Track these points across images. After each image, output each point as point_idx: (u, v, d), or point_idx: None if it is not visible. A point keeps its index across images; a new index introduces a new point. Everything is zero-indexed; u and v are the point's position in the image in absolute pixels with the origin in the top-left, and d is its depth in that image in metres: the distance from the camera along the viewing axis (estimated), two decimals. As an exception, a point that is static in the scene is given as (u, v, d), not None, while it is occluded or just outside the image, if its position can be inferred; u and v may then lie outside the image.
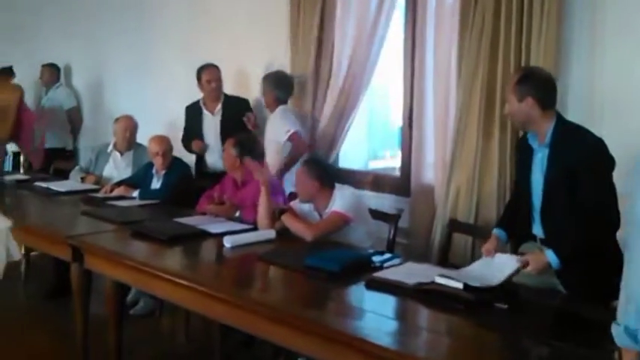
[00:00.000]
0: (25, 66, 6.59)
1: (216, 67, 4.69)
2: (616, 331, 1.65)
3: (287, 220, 3.26)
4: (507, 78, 3.11)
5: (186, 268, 3.03)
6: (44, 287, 4.48)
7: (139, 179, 4.37)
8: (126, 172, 4.60)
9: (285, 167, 4.13)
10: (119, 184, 4.35)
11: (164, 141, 4.29)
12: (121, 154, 4.74)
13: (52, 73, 6.43)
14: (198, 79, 4.67)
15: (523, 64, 3.25)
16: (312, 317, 2.30)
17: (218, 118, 4.66)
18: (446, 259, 3.48)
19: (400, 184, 4.18)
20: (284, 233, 3.25)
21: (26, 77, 6.63)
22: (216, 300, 2.52)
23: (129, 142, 4.71)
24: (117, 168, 4.70)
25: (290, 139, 4.15)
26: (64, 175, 5.07)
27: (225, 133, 4.32)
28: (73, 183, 4.68)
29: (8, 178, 4.87)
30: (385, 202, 4.11)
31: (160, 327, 4.17)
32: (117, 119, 4.77)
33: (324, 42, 4.33)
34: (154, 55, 5.73)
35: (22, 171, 5.15)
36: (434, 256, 3.65)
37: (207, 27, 5.23)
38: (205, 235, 3.27)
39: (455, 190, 3.61)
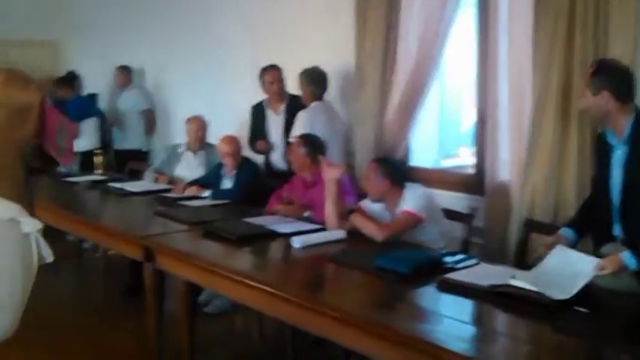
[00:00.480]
0: (99, 69, 6.88)
1: (277, 68, 4.71)
2: None
3: (356, 220, 3.22)
4: (584, 72, 2.96)
5: (255, 268, 3.04)
6: (121, 285, 4.62)
7: (210, 179, 4.44)
8: (198, 172, 4.68)
9: None
10: (191, 184, 4.43)
11: (234, 141, 4.33)
12: (193, 153, 4.82)
13: (126, 75, 6.62)
14: (261, 80, 4.72)
15: (600, 57, 3.10)
16: (383, 320, 2.26)
17: (282, 117, 4.68)
18: (522, 260, 3.35)
19: (474, 182, 4.07)
20: (354, 233, 3.21)
21: (101, 80, 6.93)
22: (283, 301, 2.51)
23: (200, 142, 4.79)
24: (189, 168, 4.79)
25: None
26: (138, 175, 5.21)
27: (289, 133, 4.35)
28: (146, 183, 4.82)
29: (83, 179, 5.04)
30: (459, 201, 4.00)
31: (234, 326, 4.21)
32: (188, 119, 4.86)
33: (390, 40, 4.26)
34: (222, 56, 5.80)
35: (98, 172, 5.30)
36: (510, 257, 3.53)
37: (273, 27, 5.26)
38: (274, 235, 3.27)
39: (531, 188, 3.48)
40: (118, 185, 4.66)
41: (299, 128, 4.19)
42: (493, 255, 3.61)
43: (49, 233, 1.15)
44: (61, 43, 7.55)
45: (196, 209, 3.93)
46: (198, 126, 4.78)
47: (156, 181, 4.82)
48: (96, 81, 6.97)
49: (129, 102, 6.59)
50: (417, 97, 4.20)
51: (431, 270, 2.66)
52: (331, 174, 3.34)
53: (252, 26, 5.49)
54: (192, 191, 4.31)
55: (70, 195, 4.80)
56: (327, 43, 4.78)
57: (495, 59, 3.75)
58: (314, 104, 4.40)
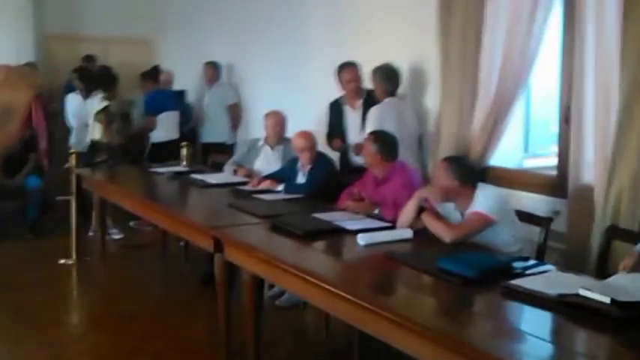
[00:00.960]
0: (190, 64, 7.09)
1: (354, 65, 4.69)
2: None
3: (426, 218, 3.14)
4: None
5: (318, 265, 3.01)
6: (200, 274, 4.73)
7: (285, 173, 4.47)
8: (276, 166, 4.72)
9: None
10: (266, 177, 4.48)
11: (308, 137, 4.34)
12: (271, 148, 4.87)
13: (213, 71, 6.80)
14: (338, 77, 4.72)
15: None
16: (441, 326, 2.20)
17: (359, 113, 4.66)
18: (604, 269, 3.15)
19: (556, 184, 3.87)
20: (422, 233, 3.13)
21: (191, 75, 7.13)
22: (342, 300, 2.48)
23: (278, 137, 4.84)
24: (267, 162, 4.84)
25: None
26: (220, 168, 5.33)
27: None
28: (226, 176, 4.92)
29: (167, 169, 5.21)
30: (540, 203, 3.83)
31: (303, 320, 4.22)
32: (267, 114, 4.91)
33: (475, 37, 4.11)
34: (305, 52, 5.83)
35: (183, 163, 5.47)
36: (592, 265, 3.33)
37: (354, 25, 5.23)
38: (341, 231, 3.25)
39: (617, 192, 3.26)
40: (198, 177, 4.80)
41: (370, 124, 4.17)
42: (573, 262, 3.43)
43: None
44: (154, 40, 7.84)
45: (269, 203, 3.97)
46: (277, 121, 4.83)
47: (235, 173, 4.92)
48: (186, 77, 7.19)
49: (216, 97, 6.78)
50: (507, 101, 4.02)
51: (498, 275, 2.55)
52: (424, 193, 3.24)
53: (334, 23, 5.48)
54: (266, 185, 4.36)
55: (152, 185, 5.00)
56: (407, 41, 4.70)
57: (581, 53, 3.53)
58: (386, 100, 4.40)
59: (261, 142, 4.95)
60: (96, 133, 5.98)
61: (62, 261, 5.26)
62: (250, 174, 4.80)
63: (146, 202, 4.31)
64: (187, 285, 4.82)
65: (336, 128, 4.77)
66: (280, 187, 4.33)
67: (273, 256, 2.95)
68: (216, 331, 3.56)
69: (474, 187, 3.16)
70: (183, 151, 5.57)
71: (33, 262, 5.38)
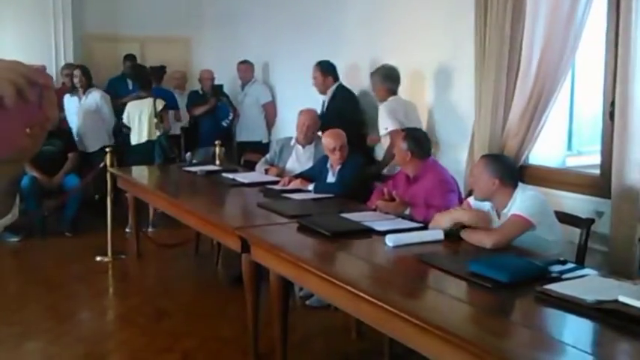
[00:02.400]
0: (226, 63, 7.08)
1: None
2: None
3: (465, 235, 2.97)
4: None
5: (344, 266, 2.94)
6: (232, 273, 4.68)
7: (315, 173, 4.39)
8: (307, 165, 4.65)
9: (383, 163, 4.42)
10: (297, 177, 4.40)
11: (339, 136, 4.24)
12: (303, 147, 4.80)
13: (248, 70, 6.77)
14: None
15: None
16: (472, 334, 2.08)
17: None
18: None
19: (599, 183, 3.68)
20: (452, 234, 3.00)
21: (227, 74, 7.12)
22: (367, 303, 2.39)
23: (307, 136, 4.75)
24: (298, 161, 4.78)
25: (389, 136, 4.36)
26: (253, 166, 5.29)
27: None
28: (257, 174, 4.86)
29: (200, 168, 5.18)
30: (582, 203, 3.66)
31: (334, 321, 4.12)
32: (300, 112, 4.84)
33: (512, 28, 3.95)
34: (337, 51, 5.73)
35: (217, 162, 5.45)
36: (635, 269, 3.15)
37: (388, 24, 5.12)
38: (370, 232, 3.15)
39: (663, 192, 3.08)
40: (230, 176, 4.76)
41: (382, 120, 4.29)
42: (616, 266, 3.25)
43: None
44: (192, 39, 7.90)
45: (298, 202, 3.90)
46: (308, 119, 4.75)
47: (266, 172, 4.86)
48: (224, 75, 7.16)
49: (251, 96, 6.74)
50: (545, 98, 3.86)
51: (533, 279, 2.41)
52: (460, 216, 3.05)
53: (369, 23, 5.38)
54: (296, 184, 4.28)
55: (183, 184, 4.98)
56: (446, 42, 4.58)
57: (626, 44, 3.34)
58: (391, 98, 4.54)
59: (293, 141, 4.88)
60: (157, 131, 6.19)
61: (98, 259, 5.30)
62: (282, 173, 4.74)
63: (176, 201, 4.28)
64: (219, 284, 4.80)
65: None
66: (310, 187, 4.25)
67: (299, 258, 2.86)
68: (246, 331, 3.51)
69: (513, 187, 3.02)
70: (217, 150, 5.56)
71: (70, 259, 5.43)
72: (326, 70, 5.23)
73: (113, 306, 4.63)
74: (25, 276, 5.13)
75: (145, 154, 6.14)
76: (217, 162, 5.46)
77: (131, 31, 7.58)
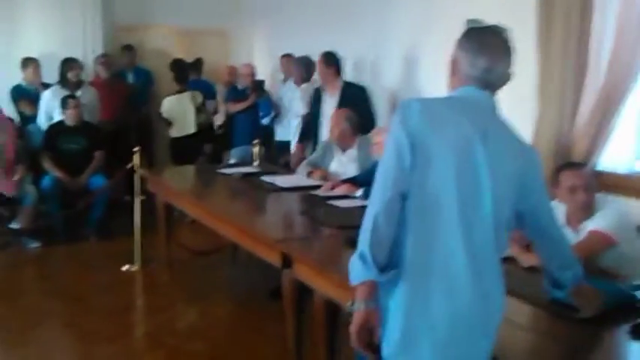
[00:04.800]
0: (267, 57, 7.01)
1: None
2: None
3: (527, 258, 2.70)
4: None
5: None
6: (271, 285, 4.48)
7: (364, 178, 4.14)
8: (351, 169, 4.42)
9: None
10: (345, 181, 4.17)
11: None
12: (343, 150, 4.57)
13: (291, 64, 6.50)
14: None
15: None
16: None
17: None
18: None
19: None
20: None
21: (267, 69, 7.05)
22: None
23: (343, 142, 4.54)
24: (342, 164, 4.55)
25: None
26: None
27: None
28: (298, 178, 4.64)
29: (236, 170, 4.99)
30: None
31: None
32: (335, 112, 4.62)
33: (580, 22, 3.66)
34: (385, 41, 5.56)
35: (256, 162, 5.27)
36: None
37: (442, 14, 4.87)
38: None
39: None
40: (268, 179, 4.54)
41: None
42: None
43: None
44: (229, 31, 7.80)
45: (345, 211, 3.65)
46: (339, 120, 4.52)
47: (309, 175, 4.63)
48: (264, 70, 7.04)
49: (293, 91, 6.51)
50: (618, 93, 3.57)
51: (623, 309, 2.17)
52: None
53: (412, 26, 5.17)
54: (342, 189, 4.04)
55: (218, 188, 4.80)
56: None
57: None
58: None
59: (334, 144, 4.65)
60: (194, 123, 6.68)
61: (125, 268, 5.15)
62: (326, 176, 4.52)
63: (209, 208, 4.09)
64: (257, 297, 4.58)
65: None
66: (359, 193, 4.02)
67: (347, 278, 2.63)
68: (282, 348, 3.34)
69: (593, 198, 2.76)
70: (255, 150, 5.38)
71: (94, 267, 5.31)
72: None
73: (140, 323, 4.43)
74: (43, 287, 4.99)
75: (185, 147, 6.60)
76: (255, 163, 5.27)
77: (164, 21, 7.52)
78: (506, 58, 1.86)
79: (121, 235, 5.77)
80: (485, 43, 1.84)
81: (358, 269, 1.82)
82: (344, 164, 4.52)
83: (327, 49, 5.40)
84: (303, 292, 3.11)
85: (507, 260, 2.70)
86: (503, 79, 1.87)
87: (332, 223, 3.35)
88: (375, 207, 1.82)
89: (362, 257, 1.81)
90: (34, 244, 5.75)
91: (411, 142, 1.78)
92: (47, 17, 6.94)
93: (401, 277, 1.81)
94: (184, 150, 6.61)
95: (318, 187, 4.25)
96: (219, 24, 7.71)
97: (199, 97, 6.76)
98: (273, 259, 3.12)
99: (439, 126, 1.81)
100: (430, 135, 1.79)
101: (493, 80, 1.86)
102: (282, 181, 4.45)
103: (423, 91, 4.97)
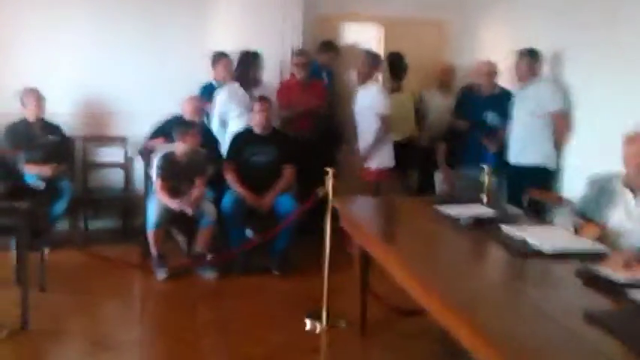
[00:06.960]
0: (495, 52, 6.01)
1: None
2: None
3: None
4: None
5: None
6: None
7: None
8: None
9: None
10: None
11: None
12: (635, 195, 3.01)
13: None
14: None
15: None
16: None
17: None
18: None
19: None
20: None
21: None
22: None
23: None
24: (630, 216, 3.00)
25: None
26: (542, 210, 3.59)
27: None
28: (563, 234, 3.13)
29: (462, 211, 3.53)
30: None
31: None
32: (627, 138, 3.08)
33: None
34: None
35: (484, 200, 3.84)
36: None
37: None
38: None
39: None
40: (516, 232, 3.06)
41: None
42: None
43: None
44: (448, 22, 6.91)
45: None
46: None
47: (577, 232, 3.12)
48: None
49: (533, 99, 5.04)
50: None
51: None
52: None
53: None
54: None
55: (437, 238, 3.39)
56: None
57: None
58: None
59: (619, 184, 3.10)
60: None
61: (308, 326, 3.99)
62: (607, 234, 2.98)
63: (414, 272, 2.73)
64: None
65: None
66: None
67: None
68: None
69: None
70: (486, 179, 3.94)
71: (277, 315, 4.25)
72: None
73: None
74: (208, 330, 4.12)
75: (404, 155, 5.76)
76: (484, 199, 3.85)
77: (373, 11, 6.67)
78: None
79: (306, 270, 4.91)
80: None
81: None
82: (635, 217, 2.98)
83: (587, 44, 4.00)
84: None
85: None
86: None
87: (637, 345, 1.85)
88: None
89: None
90: (211, 274, 4.90)
91: None
92: (241, 11, 6.14)
93: None
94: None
95: (602, 255, 2.74)
96: (438, 15, 6.78)
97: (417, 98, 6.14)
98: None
99: None
100: None
101: None
102: (539, 238, 2.93)
103: None
